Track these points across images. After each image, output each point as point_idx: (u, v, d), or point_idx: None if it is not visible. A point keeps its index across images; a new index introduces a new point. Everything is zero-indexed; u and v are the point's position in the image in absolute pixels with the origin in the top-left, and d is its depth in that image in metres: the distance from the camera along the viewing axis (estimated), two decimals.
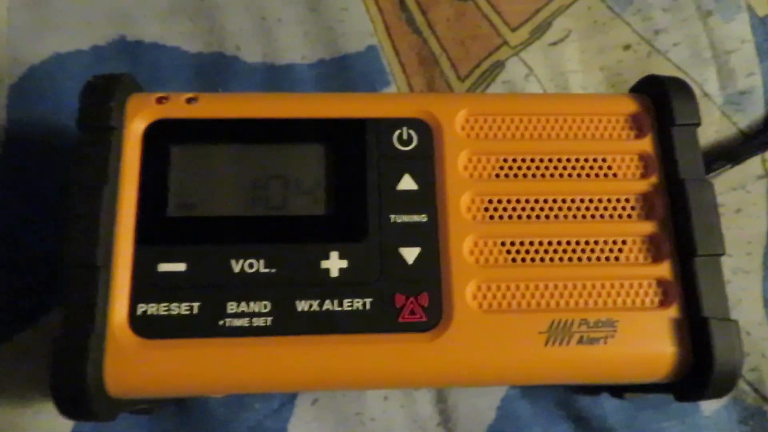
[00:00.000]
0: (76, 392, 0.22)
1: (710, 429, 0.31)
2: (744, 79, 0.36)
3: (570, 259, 0.25)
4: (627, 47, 0.36)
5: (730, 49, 0.36)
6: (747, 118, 0.35)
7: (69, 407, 0.23)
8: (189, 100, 0.26)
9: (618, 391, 0.30)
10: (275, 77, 0.35)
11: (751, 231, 0.33)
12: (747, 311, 0.32)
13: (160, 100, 0.26)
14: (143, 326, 0.23)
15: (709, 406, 0.31)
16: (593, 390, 0.31)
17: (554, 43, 0.37)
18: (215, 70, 0.35)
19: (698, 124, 0.26)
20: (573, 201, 0.26)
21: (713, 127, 0.35)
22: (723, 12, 0.37)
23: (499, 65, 0.36)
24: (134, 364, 0.23)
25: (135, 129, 0.25)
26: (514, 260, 0.25)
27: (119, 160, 0.24)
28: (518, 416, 0.31)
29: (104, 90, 0.25)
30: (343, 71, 0.35)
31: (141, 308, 0.23)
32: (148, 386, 0.23)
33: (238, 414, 0.30)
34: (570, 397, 0.31)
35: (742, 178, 0.34)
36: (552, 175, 0.26)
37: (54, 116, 0.32)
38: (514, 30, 0.37)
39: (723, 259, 0.32)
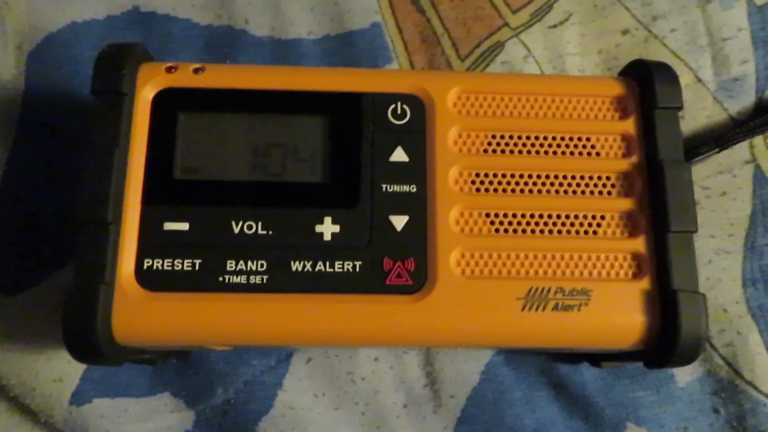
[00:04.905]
0: (87, 338, 0.24)
1: (684, 400, 0.32)
2: (737, 66, 0.36)
3: (550, 231, 0.26)
4: (625, 32, 0.37)
5: (726, 36, 0.37)
6: (738, 104, 0.36)
7: (79, 351, 0.24)
8: (196, 70, 0.27)
9: (596, 359, 0.31)
10: (282, 51, 0.36)
11: (735, 214, 0.34)
12: (726, 290, 0.33)
13: (169, 70, 0.27)
14: (149, 279, 0.25)
15: (683, 378, 0.32)
16: (574, 358, 0.32)
17: (554, 26, 0.37)
18: (224, 43, 0.36)
19: (680, 108, 0.27)
20: (556, 177, 0.27)
21: (705, 113, 0.36)
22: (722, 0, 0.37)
23: (499, 46, 0.37)
24: (140, 314, 0.25)
25: (145, 96, 0.27)
26: (497, 230, 0.26)
27: (130, 125, 0.26)
28: (501, 381, 0.32)
29: (117, 59, 0.26)
30: (348, 47, 0.36)
31: (147, 263, 0.25)
32: (152, 335, 0.25)
33: (237, 368, 0.32)
34: (551, 365, 0.33)
35: (730, 163, 0.35)
36: (537, 152, 0.27)
37: (70, 82, 0.34)
38: (515, 12, 0.38)
39: (706, 240, 0.34)
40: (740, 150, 0.35)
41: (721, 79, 0.36)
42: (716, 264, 0.34)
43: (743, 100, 0.36)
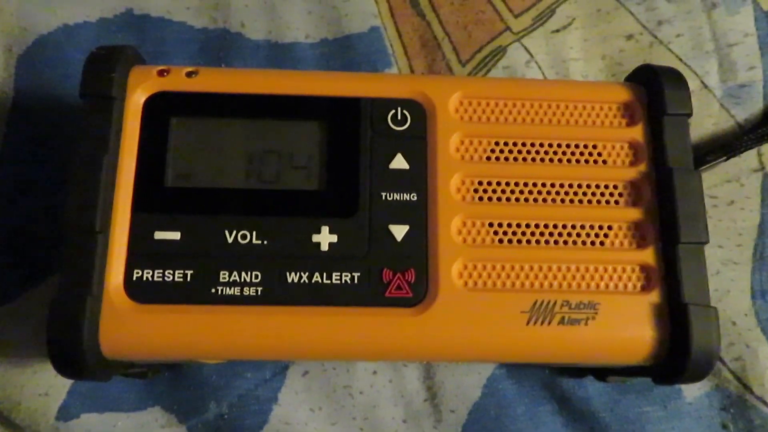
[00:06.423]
0: (72, 352, 0.23)
1: (692, 415, 0.31)
2: (744, 72, 0.36)
3: (556, 242, 0.26)
4: (629, 37, 0.37)
5: (733, 42, 0.36)
6: (745, 111, 0.35)
7: (65, 366, 0.24)
8: (189, 74, 0.26)
9: (602, 374, 0.30)
10: (279, 55, 0.35)
11: (743, 223, 0.34)
12: (734, 302, 0.32)
13: (161, 73, 0.26)
14: (138, 291, 0.24)
15: (691, 393, 0.31)
16: (578, 372, 0.32)
17: (557, 31, 0.37)
18: (220, 46, 0.35)
19: (689, 114, 0.27)
20: (562, 186, 0.26)
21: (711, 120, 0.35)
22: (728, 4, 0.37)
23: (501, 51, 0.36)
24: (128, 327, 0.24)
25: (136, 100, 0.26)
26: (500, 241, 0.25)
27: (120, 130, 0.25)
28: (503, 395, 0.31)
29: (107, 61, 0.25)
30: (346, 51, 0.36)
31: (136, 273, 0.24)
32: (141, 349, 0.24)
33: (230, 381, 0.31)
34: (555, 379, 0.32)
35: (737, 171, 0.34)
36: (542, 160, 0.26)
37: (60, 86, 0.33)
38: (517, 16, 0.37)
39: (714, 250, 0.33)
40: (748, 158, 0.35)
41: (728, 85, 0.36)
42: (724, 275, 0.33)
43: (750, 107, 0.35)
